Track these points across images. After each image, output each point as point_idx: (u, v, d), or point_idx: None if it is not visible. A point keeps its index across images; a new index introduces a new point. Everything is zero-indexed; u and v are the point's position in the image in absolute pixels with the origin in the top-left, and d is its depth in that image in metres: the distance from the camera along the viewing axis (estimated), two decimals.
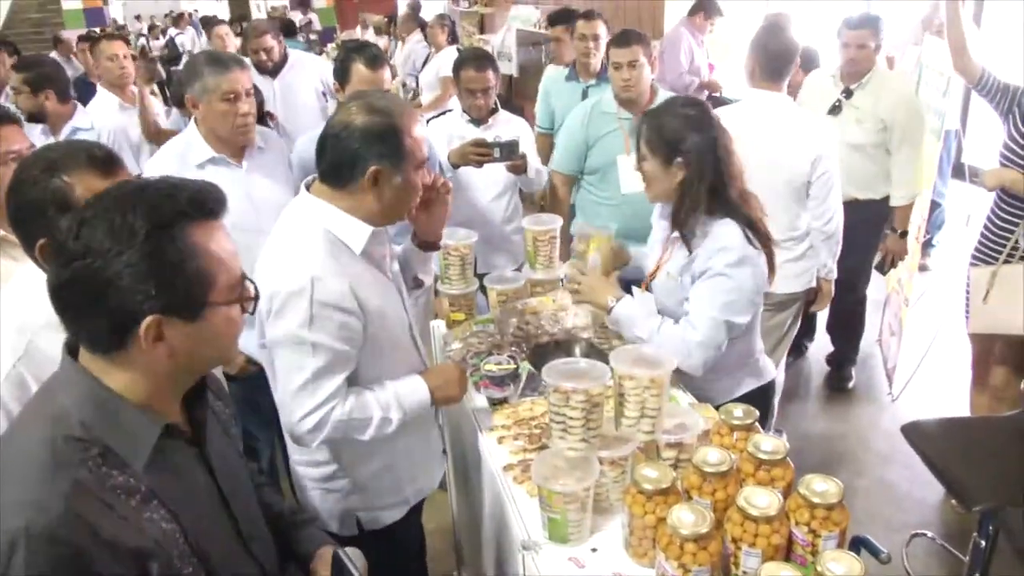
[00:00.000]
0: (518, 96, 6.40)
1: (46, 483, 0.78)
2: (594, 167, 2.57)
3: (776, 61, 2.28)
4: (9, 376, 1.16)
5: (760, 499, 1.06)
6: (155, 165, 2.05)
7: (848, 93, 2.79)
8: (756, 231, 1.56)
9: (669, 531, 1.03)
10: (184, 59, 5.75)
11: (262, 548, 1.04)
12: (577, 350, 1.70)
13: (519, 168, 2.42)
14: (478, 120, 2.54)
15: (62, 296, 0.83)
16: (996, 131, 2.46)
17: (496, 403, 1.62)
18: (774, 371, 1.82)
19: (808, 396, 3.23)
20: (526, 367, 1.65)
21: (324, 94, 3.64)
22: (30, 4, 7.69)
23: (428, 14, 6.80)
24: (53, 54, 5.84)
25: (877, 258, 2.98)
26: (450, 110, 3.00)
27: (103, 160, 1.25)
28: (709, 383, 1.63)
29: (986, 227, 2.43)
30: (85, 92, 3.45)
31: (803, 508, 1.07)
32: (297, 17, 10.46)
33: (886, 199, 2.83)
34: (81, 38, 6.02)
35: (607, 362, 1.30)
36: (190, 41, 10.37)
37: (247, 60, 2.72)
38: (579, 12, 3.86)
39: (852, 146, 2.69)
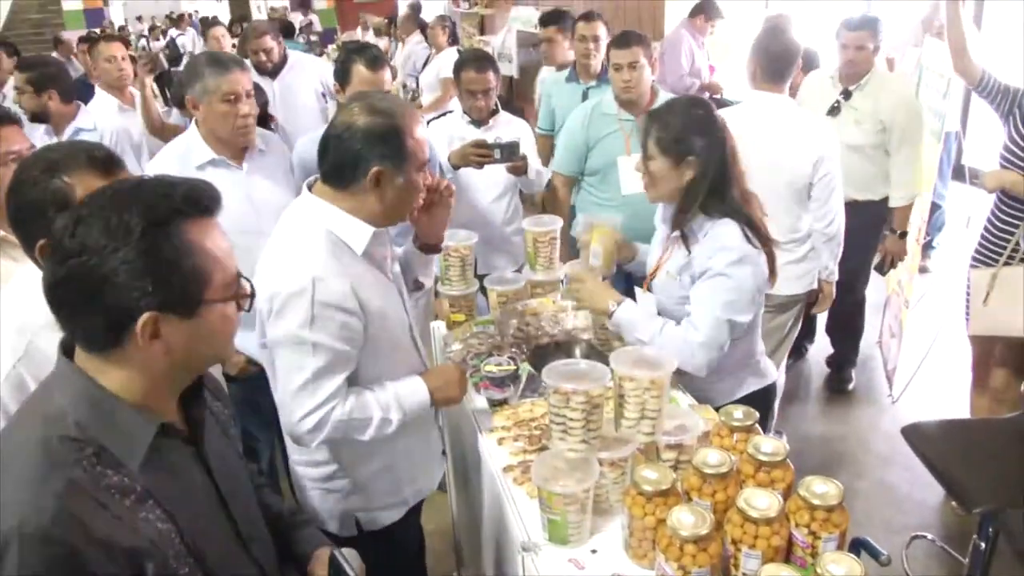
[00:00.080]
0: (519, 97, 6.40)
1: (40, 483, 0.78)
2: (594, 168, 2.57)
3: (777, 63, 2.28)
4: (9, 377, 1.16)
5: (760, 501, 1.06)
6: (156, 166, 2.06)
7: (847, 94, 2.79)
8: (756, 231, 1.56)
9: (669, 532, 1.03)
10: (185, 60, 5.75)
11: (261, 549, 1.04)
12: (577, 351, 1.70)
13: (519, 169, 2.42)
14: (479, 121, 2.54)
15: (58, 294, 0.83)
16: (996, 133, 2.46)
17: (496, 404, 1.62)
18: (775, 373, 1.82)
19: (808, 398, 3.23)
20: (526, 368, 1.65)
21: (324, 95, 3.64)
22: (30, 5, 7.70)
23: (428, 15, 6.80)
24: (53, 55, 5.84)
25: (876, 259, 2.98)
26: (451, 111, 3.00)
27: (103, 161, 1.26)
28: (710, 384, 1.63)
29: (986, 229, 2.43)
30: (84, 93, 3.46)
31: (803, 510, 1.07)
32: (298, 18, 10.47)
33: (885, 200, 2.83)
34: (81, 39, 6.02)
35: (607, 363, 1.30)
36: (191, 42, 10.38)
37: (247, 61, 2.72)
38: (571, 13, 3.87)
39: (851, 147, 2.69)
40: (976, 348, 2.58)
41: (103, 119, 3.01)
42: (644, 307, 1.69)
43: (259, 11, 12.19)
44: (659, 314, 1.69)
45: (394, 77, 2.88)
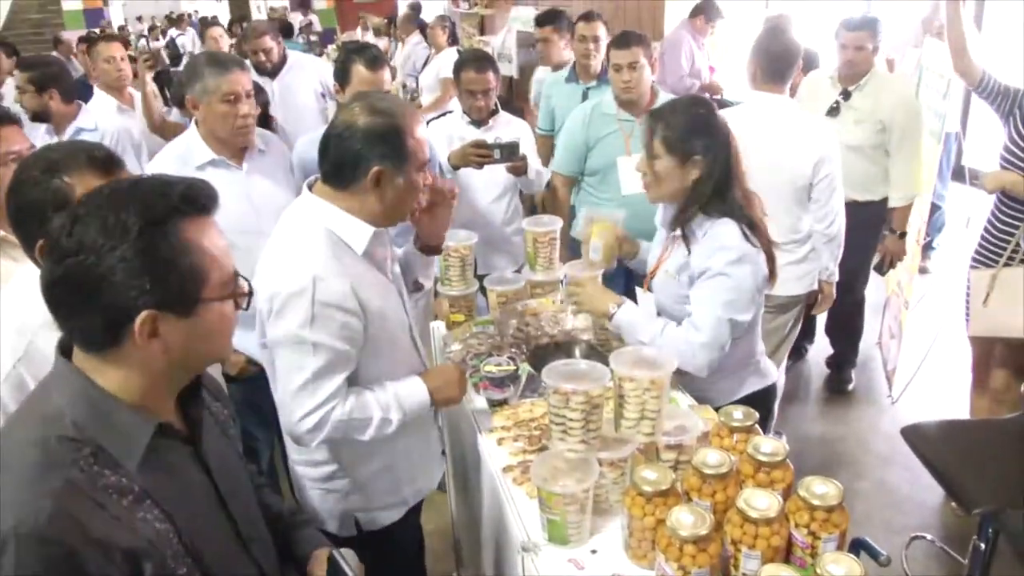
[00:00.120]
0: (519, 98, 6.39)
1: (37, 483, 0.78)
2: (594, 168, 2.57)
3: (778, 63, 2.28)
4: (9, 377, 1.16)
5: (760, 501, 1.06)
6: (155, 167, 2.05)
7: (846, 95, 2.79)
8: (755, 231, 1.56)
9: (668, 533, 1.03)
10: (185, 60, 5.75)
11: (261, 549, 1.04)
12: (577, 351, 1.70)
13: (519, 169, 2.42)
14: (478, 121, 2.54)
15: (55, 293, 0.83)
16: (996, 134, 2.46)
17: (496, 404, 1.62)
18: (776, 373, 1.82)
19: (808, 398, 3.23)
20: (526, 368, 1.65)
21: (323, 95, 3.64)
22: (30, 4, 7.70)
23: (428, 15, 6.80)
24: (53, 55, 5.84)
25: (875, 259, 2.98)
26: (450, 111, 3.00)
27: (103, 161, 1.26)
28: (711, 384, 1.63)
29: (986, 230, 2.43)
30: (83, 94, 3.46)
31: (803, 510, 1.07)
32: (297, 18, 10.47)
33: (884, 201, 2.83)
34: (81, 39, 6.02)
35: (607, 363, 1.30)
36: (191, 42, 10.38)
37: (247, 61, 2.72)
38: (567, 13, 3.86)
39: (850, 147, 2.69)
40: (976, 349, 2.58)
41: (103, 119, 3.02)
42: (644, 308, 1.69)
43: (259, 11, 12.19)
44: (659, 314, 1.69)
45: (393, 77, 2.88)
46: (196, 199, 0.87)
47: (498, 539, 1.47)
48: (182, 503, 0.89)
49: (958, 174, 4.12)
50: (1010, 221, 2.34)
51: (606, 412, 1.30)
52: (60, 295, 0.83)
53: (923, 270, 3.89)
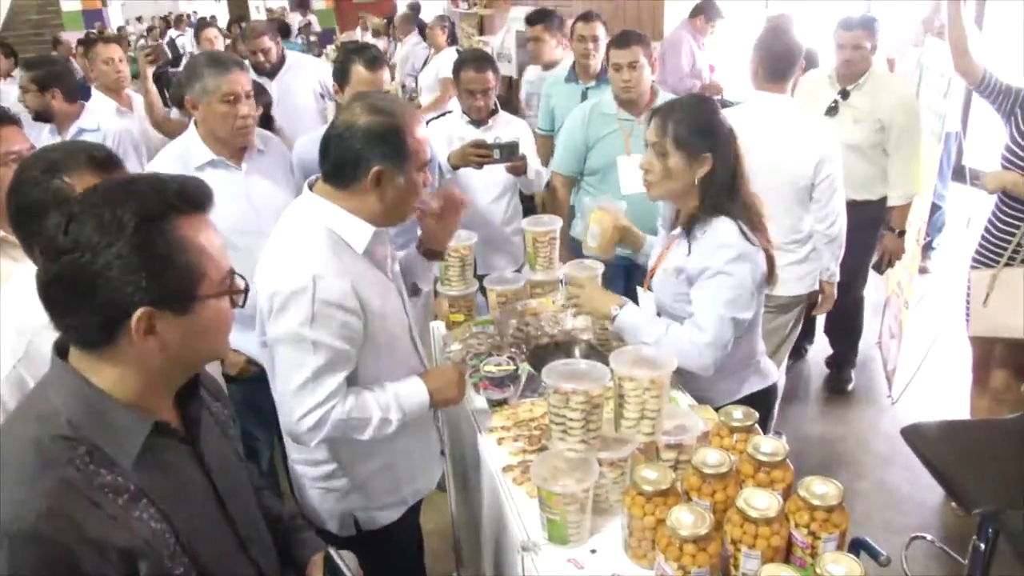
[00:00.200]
0: (518, 97, 6.40)
1: (32, 482, 0.78)
2: (594, 168, 2.57)
3: (779, 63, 2.28)
4: (9, 377, 1.16)
5: (760, 501, 1.06)
6: (156, 167, 2.05)
7: (844, 94, 2.79)
8: (755, 230, 1.56)
9: (668, 532, 1.03)
10: (184, 60, 5.75)
11: (260, 550, 1.04)
12: (577, 351, 1.70)
13: (519, 169, 2.42)
14: (478, 121, 2.54)
15: (52, 292, 0.83)
16: (997, 133, 2.46)
17: (496, 404, 1.62)
18: (776, 373, 1.82)
19: (808, 398, 3.23)
20: (526, 368, 1.65)
21: (322, 95, 3.64)
22: (29, 5, 7.71)
23: (428, 15, 6.80)
24: (54, 55, 5.85)
25: (874, 258, 2.98)
26: (450, 111, 3.00)
27: (103, 161, 1.26)
28: (712, 384, 1.63)
29: (987, 230, 2.43)
30: (82, 95, 3.46)
31: (803, 510, 1.07)
32: (296, 18, 10.48)
33: (883, 200, 2.83)
34: (80, 41, 6.03)
35: (607, 363, 1.30)
36: (190, 42, 10.39)
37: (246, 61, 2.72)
38: (558, 12, 3.86)
39: (849, 146, 2.69)
40: (976, 349, 2.58)
41: (104, 120, 3.02)
42: (645, 309, 1.69)
43: (257, 11, 12.20)
44: (659, 313, 1.69)
45: (392, 78, 2.88)
46: (191, 196, 0.87)
47: (498, 539, 1.47)
48: (179, 502, 0.89)
49: (959, 174, 4.12)
50: (1011, 221, 2.34)
51: (606, 412, 1.30)
52: (56, 293, 0.83)
53: (923, 270, 3.89)
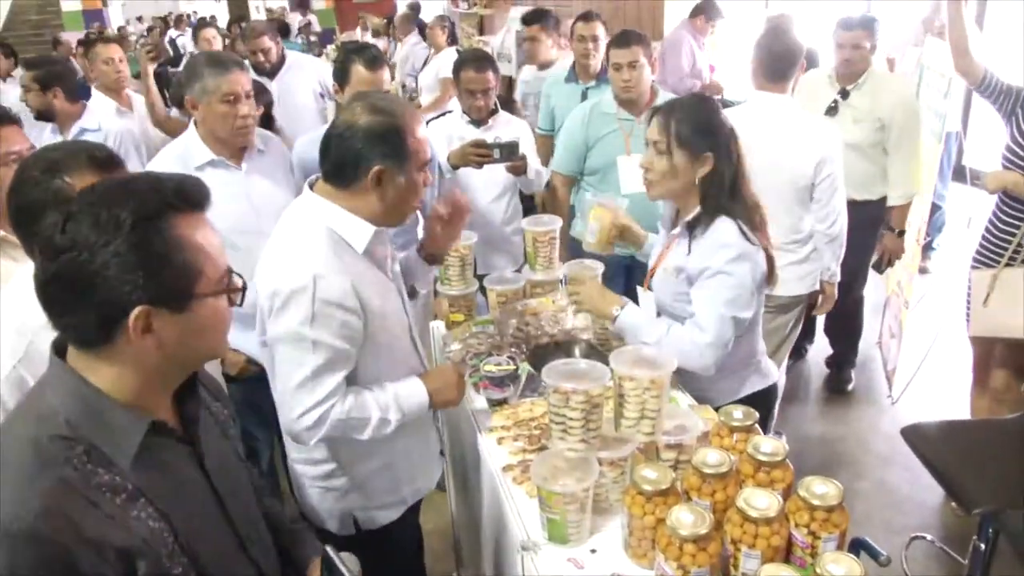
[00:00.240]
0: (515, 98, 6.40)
1: (29, 482, 0.78)
2: (594, 168, 2.57)
3: (779, 63, 2.28)
4: (9, 377, 1.16)
5: (760, 501, 1.06)
6: (156, 167, 2.05)
7: (844, 93, 2.79)
8: (755, 230, 1.56)
9: (668, 532, 1.03)
10: (184, 60, 5.75)
11: (260, 550, 1.04)
12: (577, 351, 1.70)
13: (519, 169, 2.42)
14: (478, 121, 2.54)
15: (49, 291, 0.84)
16: (998, 133, 2.46)
17: (496, 404, 1.62)
18: (776, 373, 1.82)
19: (808, 398, 3.23)
20: (526, 368, 1.65)
21: (322, 95, 3.64)
22: (30, 6, 7.71)
23: (428, 15, 6.80)
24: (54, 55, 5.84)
25: (874, 257, 2.98)
26: (450, 111, 3.00)
27: (104, 161, 1.26)
28: (712, 384, 1.63)
29: (988, 230, 2.43)
30: (83, 95, 3.46)
31: (803, 510, 1.07)
32: (296, 18, 10.48)
33: (882, 200, 2.83)
34: (80, 42, 6.03)
35: (607, 363, 1.30)
36: (191, 42, 10.39)
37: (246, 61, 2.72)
38: (551, 12, 3.86)
39: (849, 146, 2.69)
40: (977, 349, 2.58)
41: (105, 120, 3.03)
42: (646, 309, 1.69)
43: (257, 11, 12.20)
44: (659, 312, 1.69)
45: (392, 77, 2.88)
46: (189, 195, 0.87)
47: (498, 538, 1.47)
48: (177, 502, 0.89)
49: (959, 174, 4.12)
50: (1011, 221, 2.34)
51: (606, 411, 1.30)
52: (54, 292, 0.83)
53: (923, 270, 3.89)
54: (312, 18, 10.36)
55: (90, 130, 2.86)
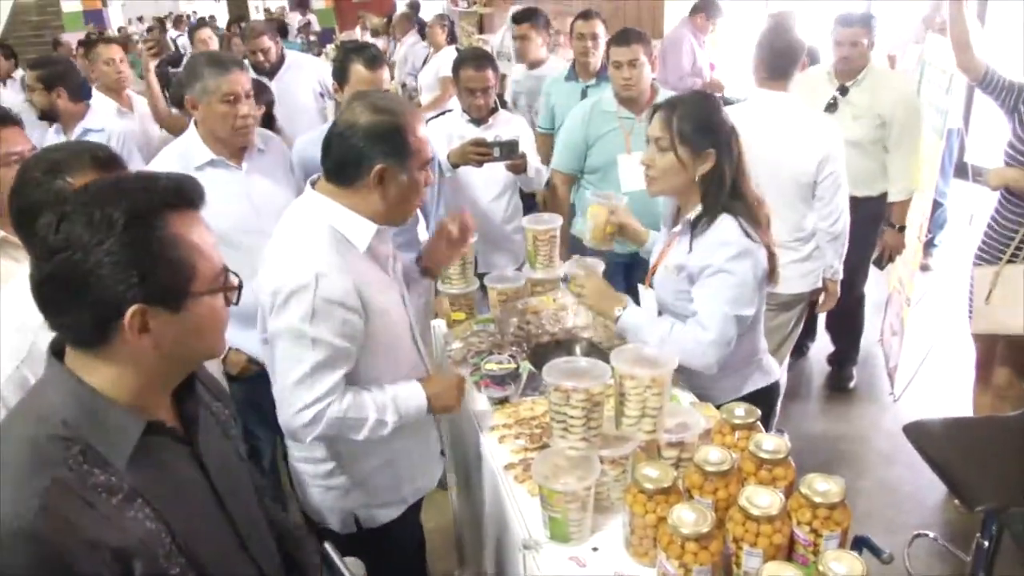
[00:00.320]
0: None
1: (25, 482, 0.78)
2: (594, 166, 2.57)
3: (781, 60, 2.28)
4: (12, 377, 1.17)
5: (762, 499, 1.06)
6: (157, 166, 2.05)
7: (843, 90, 2.79)
8: (757, 228, 1.56)
9: (670, 530, 1.03)
10: (185, 60, 5.75)
11: (261, 550, 1.03)
12: (578, 349, 1.70)
13: (519, 167, 2.41)
14: (478, 120, 2.54)
15: (45, 291, 0.84)
16: (1000, 130, 2.45)
17: (497, 402, 1.62)
18: (778, 371, 1.82)
19: (810, 396, 3.22)
20: (527, 366, 1.65)
21: (322, 95, 3.64)
22: (30, 7, 7.71)
23: (427, 14, 6.80)
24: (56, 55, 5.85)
25: (874, 254, 2.98)
26: (450, 110, 3.00)
27: (106, 161, 1.26)
28: (714, 382, 1.62)
29: (990, 227, 2.42)
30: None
31: (805, 508, 1.07)
32: (296, 18, 10.47)
33: (883, 196, 2.83)
34: (80, 42, 6.04)
35: (608, 361, 1.30)
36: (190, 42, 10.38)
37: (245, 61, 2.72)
38: (541, 10, 3.85)
39: (849, 143, 2.68)
40: (979, 346, 2.57)
41: (109, 120, 3.03)
42: (647, 308, 1.69)
43: (257, 11, 12.20)
44: (660, 309, 1.69)
45: (392, 77, 2.88)
46: (182, 193, 0.87)
47: (500, 537, 1.47)
48: (175, 502, 0.88)
49: (961, 171, 4.11)
50: (1014, 218, 2.33)
51: (607, 410, 1.30)
52: (49, 292, 0.83)
53: (925, 267, 3.88)
54: (312, 18, 10.35)
55: (94, 130, 2.86)
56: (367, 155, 1.32)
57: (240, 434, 1.14)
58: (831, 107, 2.80)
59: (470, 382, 1.68)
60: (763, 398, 1.64)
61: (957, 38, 2.38)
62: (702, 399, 1.58)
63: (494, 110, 2.56)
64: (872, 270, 3.07)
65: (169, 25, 11.88)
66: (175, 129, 3.04)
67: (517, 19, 3.77)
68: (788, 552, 1.08)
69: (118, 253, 0.80)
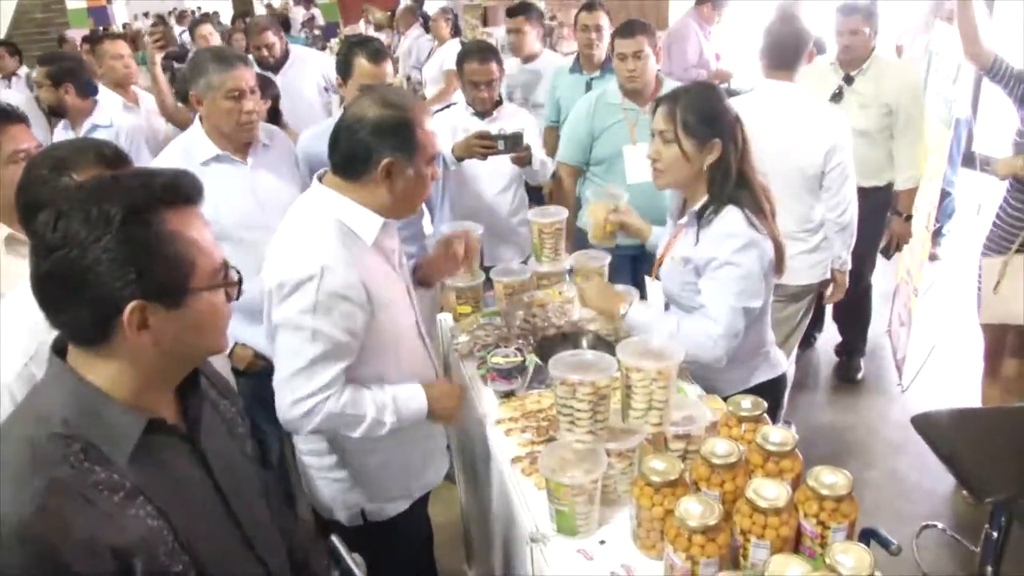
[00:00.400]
0: None
1: (23, 481, 0.78)
2: (600, 158, 2.56)
3: (787, 51, 2.26)
4: (21, 375, 1.17)
5: (769, 491, 1.06)
6: (162, 161, 2.06)
7: (849, 79, 2.77)
8: (763, 219, 1.55)
9: (677, 523, 1.03)
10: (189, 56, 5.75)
11: (268, 548, 1.03)
12: (584, 342, 1.70)
13: (523, 160, 2.41)
14: (482, 112, 2.53)
15: (44, 288, 0.84)
16: (1008, 119, 2.43)
17: (503, 396, 1.62)
18: (786, 363, 1.81)
19: (817, 387, 3.21)
20: (533, 359, 1.65)
21: (326, 89, 3.64)
22: (35, 4, 7.72)
23: (431, 7, 6.78)
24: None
25: (881, 243, 2.96)
26: (455, 103, 2.99)
27: (111, 158, 1.26)
28: (721, 374, 1.62)
29: (998, 216, 2.40)
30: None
31: (812, 500, 1.07)
32: (300, 12, 10.45)
33: (890, 186, 2.81)
34: (84, 39, 6.04)
35: (614, 354, 1.30)
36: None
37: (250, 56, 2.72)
38: (535, 4, 3.83)
39: (856, 132, 2.67)
40: (988, 337, 2.56)
41: (116, 116, 3.04)
42: (653, 298, 1.68)
43: (262, 5, 12.18)
44: (666, 301, 1.68)
45: (396, 71, 2.87)
46: (179, 189, 0.87)
47: (507, 530, 1.48)
48: (177, 500, 0.88)
49: (969, 160, 4.08)
50: (1022, 207, 2.32)
51: (613, 402, 1.30)
52: (48, 290, 0.84)
53: (933, 257, 3.85)
54: (316, 12, 10.33)
55: (102, 126, 2.88)
56: (375, 149, 1.32)
57: (248, 431, 1.13)
58: (837, 97, 2.78)
59: (477, 375, 1.69)
60: (770, 390, 1.63)
61: (965, 28, 2.36)
62: (709, 391, 1.57)
63: (498, 103, 2.56)
64: (879, 260, 3.05)
65: (173, 21, 11.88)
66: (181, 123, 3.05)
67: (511, 13, 3.75)
68: (795, 544, 1.08)
69: (115, 250, 0.80)
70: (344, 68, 2.19)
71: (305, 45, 6.46)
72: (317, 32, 9.37)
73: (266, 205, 1.92)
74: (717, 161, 1.53)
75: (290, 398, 1.33)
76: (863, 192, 2.70)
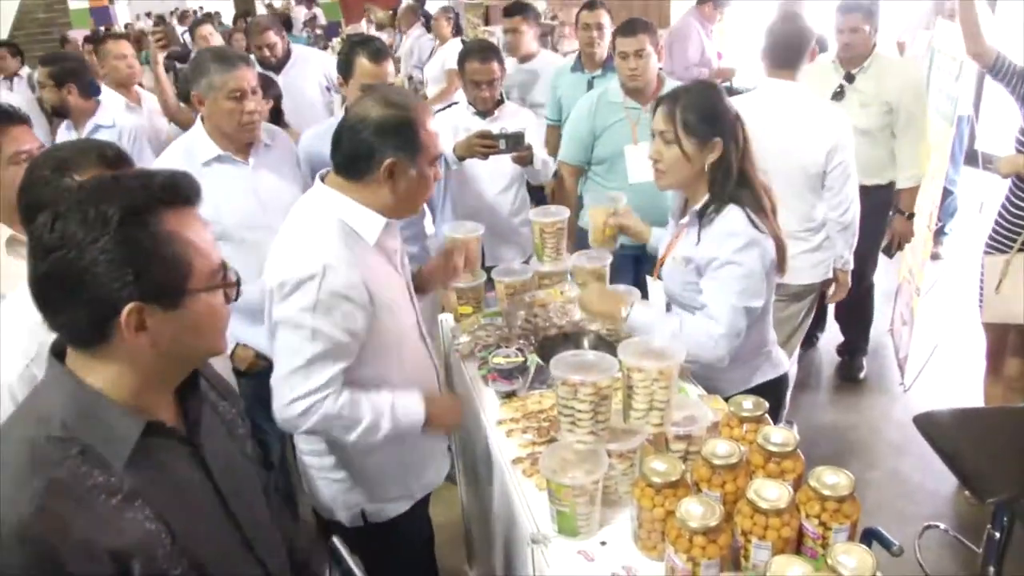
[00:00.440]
0: None
1: (21, 483, 0.78)
2: (601, 157, 2.56)
3: (789, 49, 2.26)
4: (23, 376, 1.17)
5: (770, 492, 1.05)
6: (164, 162, 2.06)
7: (850, 78, 2.77)
8: (764, 218, 1.54)
9: (678, 524, 1.03)
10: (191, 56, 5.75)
11: (267, 549, 1.03)
12: (585, 342, 1.70)
13: (524, 159, 2.41)
14: (484, 112, 2.53)
15: (42, 289, 0.84)
16: (1011, 117, 2.42)
17: (504, 396, 1.62)
18: (788, 363, 1.81)
19: (819, 387, 3.21)
20: (534, 360, 1.65)
21: (328, 89, 3.64)
22: (37, 4, 7.73)
23: (433, 7, 6.78)
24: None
25: (883, 242, 2.96)
26: (456, 103, 2.99)
27: (113, 159, 1.27)
28: (723, 374, 1.62)
29: (1000, 215, 2.40)
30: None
31: (813, 500, 1.07)
32: (301, 12, 10.46)
33: (891, 185, 2.81)
34: (87, 39, 6.05)
35: (615, 354, 1.30)
36: None
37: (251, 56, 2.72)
38: (532, 4, 3.82)
39: (857, 131, 2.66)
40: (990, 336, 2.55)
41: (119, 116, 3.05)
42: (655, 298, 1.68)
43: (263, 6, 12.20)
44: (668, 301, 1.68)
45: (398, 71, 2.87)
46: (177, 190, 0.87)
47: (508, 531, 1.48)
48: (176, 503, 0.88)
49: (971, 158, 4.07)
50: None
51: (615, 403, 1.30)
52: (46, 291, 0.83)
53: (935, 256, 3.85)
54: (318, 11, 10.34)
55: (104, 126, 2.88)
56: (378, 149, 1.32)
57: (248, 433, 1.13)
58: (838, 95, 2.77)
59: (478, 376, 1.69)
60: (772, 390, 1.63)
61: (968, 26, 2.35)
62: (710, 391, 1.57)
63: (500, 102, 2.55)
64: (881, 259, 3.05)
65: (174, 21, 11.90)
66: (184, 123, 3.05)
67: (507, 12, 3.74)
68: (797, 545, 1.08)
69: (112, 251, 0.80)
70: (345, 68, 2.19)
71: (307, 45, 6.47)
72: (319, 31, 9.38)
73: (268, 205, 1.92)
74: (718, 160, 1.53)
75: (287, 396, 1.33)
76: (865, 191, 2.70)
